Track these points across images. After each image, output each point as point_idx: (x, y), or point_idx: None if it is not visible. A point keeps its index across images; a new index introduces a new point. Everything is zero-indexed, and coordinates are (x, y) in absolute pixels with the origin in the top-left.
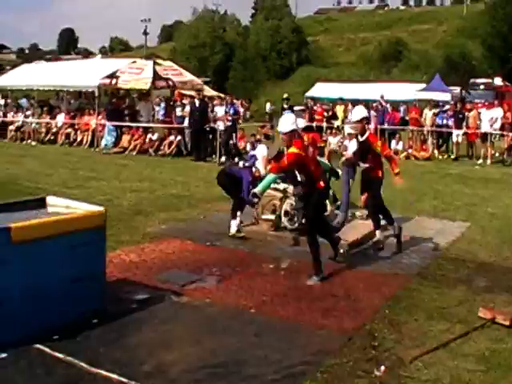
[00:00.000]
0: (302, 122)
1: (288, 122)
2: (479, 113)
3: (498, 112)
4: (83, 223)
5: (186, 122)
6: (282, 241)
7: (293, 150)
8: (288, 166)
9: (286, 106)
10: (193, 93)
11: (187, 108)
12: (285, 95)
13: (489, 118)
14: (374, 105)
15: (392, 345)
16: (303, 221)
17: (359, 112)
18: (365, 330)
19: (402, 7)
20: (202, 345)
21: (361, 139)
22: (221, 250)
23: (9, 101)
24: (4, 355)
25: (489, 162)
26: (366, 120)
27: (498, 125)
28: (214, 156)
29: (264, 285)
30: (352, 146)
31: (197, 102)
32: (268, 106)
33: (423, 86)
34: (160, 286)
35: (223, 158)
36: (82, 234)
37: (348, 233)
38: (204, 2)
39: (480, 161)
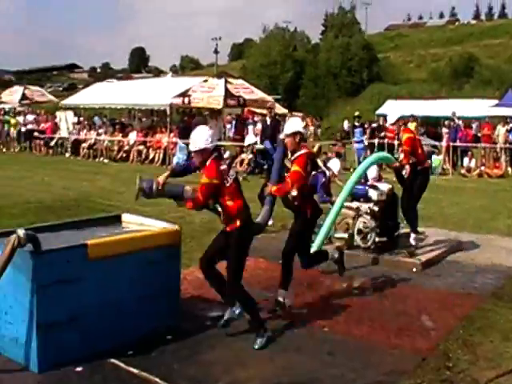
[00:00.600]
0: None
1: (292, 124)
2: None
3: None
4: (159, 240)
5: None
6: (355, 259)
7: (296, 168)
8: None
9: (357, 124)
10: (264, 111)
11: (258, 126)
12: (356, 113)
13: None
14: (446, 122)
15: (466, 366)
16: (377, 239)
17: (293, 125)
18: (439, 350)
19: (473, 21)
20: (275, 362)
21: (292, 158)
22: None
23: (81, 119)
24: (80, 369)
25: None
26: (300, 136)
27: None
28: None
29: (338, 304)
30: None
31: (268, 120)
32: (346, 123)
33: (496, 102)
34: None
35: None
36: (157, 251)
37: (421, 252)
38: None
39: None
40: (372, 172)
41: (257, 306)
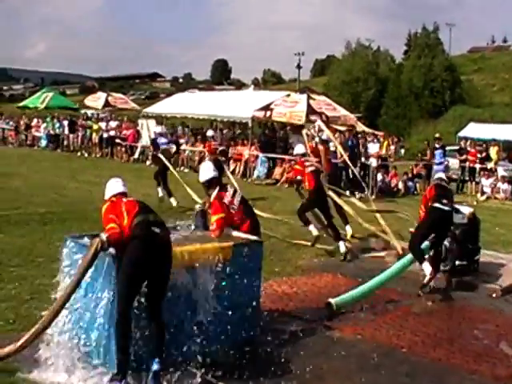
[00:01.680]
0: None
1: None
2: None
3: None
4: (241, 252)
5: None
6: (434, 281)
7: (214, 218)
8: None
9: (437, 146)
10: (344, 128)
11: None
12: (436, 135)
13: None
14: None
15: None
16: (457, 263)
17: (205, 172)
18: None
19: None
20: (353, 380)
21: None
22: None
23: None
24: None
25: None
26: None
27: None
28: (365, 192)
29: (416, 325)
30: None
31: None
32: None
33: None
34: (312, 318)
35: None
36: (239, 263)
37: (501, 276)
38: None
39: None
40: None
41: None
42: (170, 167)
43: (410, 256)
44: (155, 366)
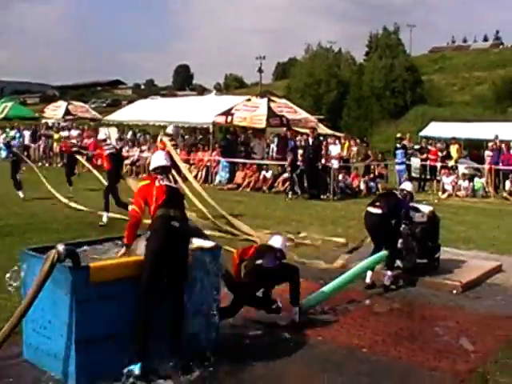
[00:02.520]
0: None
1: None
2: None
3: None
4: (198, 257)
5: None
6: (395, 280)
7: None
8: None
9: (398, 146)
10: (307, 131)
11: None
12: (398, 134)
13: None
14: (490, 145)
15: None
16: (417, 261)
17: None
18: (477, 372)
19: None
20: (314, 382)
21: None
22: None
23: (125, 135)
24: None
25: None
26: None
27: None
28: (327, 194)
29: (376, 324)
30: None
31: (310, 140)
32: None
33: None
34: (273, 322)
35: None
36: (197, 268)
37: (462, 273)
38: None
39: None
40: (408, 185)
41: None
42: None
43: (375, 256)
44: (173, 365)
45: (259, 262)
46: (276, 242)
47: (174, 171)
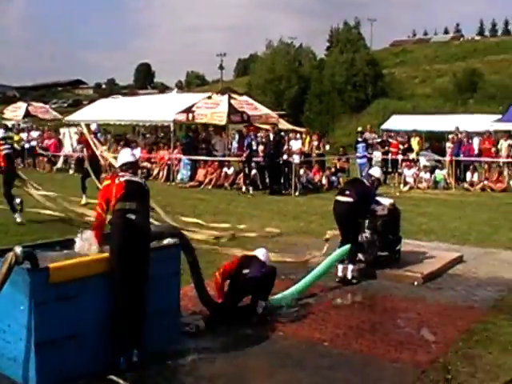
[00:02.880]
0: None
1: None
2: None
3: None
4: (157, 256)
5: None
6: (357, 274)
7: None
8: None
9: (359, 139)
10: (268, 126)
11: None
12: (359, 128)
13: None
14: (450, 137)
15: (466, 378)
16: (379, 254)
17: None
18: (438, 363)
19: (478, 38)
20: (275, 378)
21: None
22: (293, 283)
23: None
24: None
25: None
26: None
27: None
28: (289, 189)
29: (338, 318)
30: None
31: (271, 136)
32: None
33: (499, 117)
34: (234, 318)
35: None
36: (155, 268)
37: (423, 264)
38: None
39: None
40: (376, 171)
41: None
42: None
43: (342, 249)
44: (135, 358)
45: (245, 271)
46: (260, 253)
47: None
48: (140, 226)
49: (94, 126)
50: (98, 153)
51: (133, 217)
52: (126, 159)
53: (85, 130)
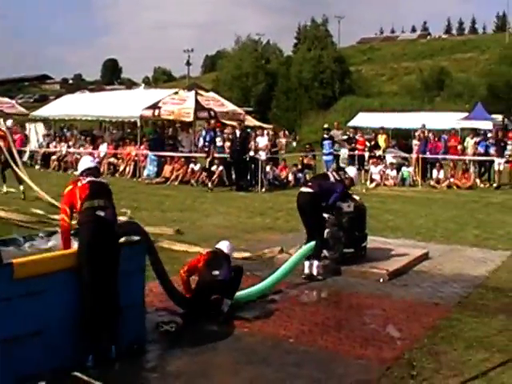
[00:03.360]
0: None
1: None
2: None
3: None
4: (123, 251)
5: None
6: (322, 270)
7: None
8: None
9: (326, 136)
10: (234, 123)
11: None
12: (325, 125)
13: None
14: (417, 134)
15: (430, 374)
16: (344, 251)
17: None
18: (403, 359)
19: (445, 36)
20: (240, 375)
21: None
22: (259, 280)
23: (51, 131)
24: (42, 383)
25: None
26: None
27: None
28: (255, 186)
29: (303, 314)
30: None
31: (237, 133)
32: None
33: (466, 114)
34: (200, 314)
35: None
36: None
37: (389, 261)
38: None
39: None
40: (352, 171)
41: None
42: None
43: (307, 246)
44: (113, 354)
45: (216, 272)
46: (223, 246)
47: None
48: (110, 222)
49: (9, 123)
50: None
51: (102, 213)
52: (87, 165)
53: (2, 124)
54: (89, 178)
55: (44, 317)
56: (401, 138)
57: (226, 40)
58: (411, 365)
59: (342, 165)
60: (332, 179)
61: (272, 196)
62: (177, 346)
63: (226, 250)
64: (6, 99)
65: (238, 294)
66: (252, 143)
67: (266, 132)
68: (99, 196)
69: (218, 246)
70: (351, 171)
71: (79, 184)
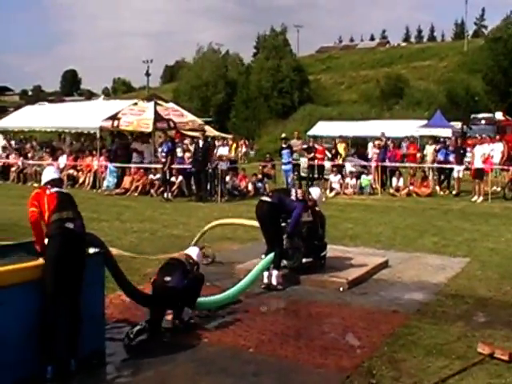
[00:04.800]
0: None
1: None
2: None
3: (498, 146)
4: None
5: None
6: (281, 279)
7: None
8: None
9: (284, 146)
10: (196, 133)
11: (190, 148)
12: (283, 135)
13: (481, 154)
14: (376, 142)
15: (390, 382)
16: (304, 260)
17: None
18: (363, 367)
19: (403, 44)
20: None
21: None
22: (219, 290)
23: (10, 143)
24: None
25: (481, 198)
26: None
27: (497, 159)
28: (215, 196)
29: (263, 324)
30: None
31: (200, 143)
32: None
33: (425, 122)
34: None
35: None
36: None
37: (348, 270)
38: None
39: (475, 197)
40: (316, 192)
41: None
42: None
43: (267, 259)
44: (73, 366)
45: (167, 279)
46: (192, 252)
47: None
48: (78, 234)
49: None
50: None
51: (71, 225)
52: (51, 176)
53: None
54: (56, 189)
55: (3, 328)
56: (360, 147)
57: (183, 50)
58: (371, 373)
59: (302, 174)
60: (293, 197)
61: (231, 206)
62: (136, 357)
63: (194, 256)
64: None
65: (199, 300)
66: (214, 153)
67: (225, 142)
68: (67, 208)
69: (187, 251)
70: (315, 192)
71: (47, 192)
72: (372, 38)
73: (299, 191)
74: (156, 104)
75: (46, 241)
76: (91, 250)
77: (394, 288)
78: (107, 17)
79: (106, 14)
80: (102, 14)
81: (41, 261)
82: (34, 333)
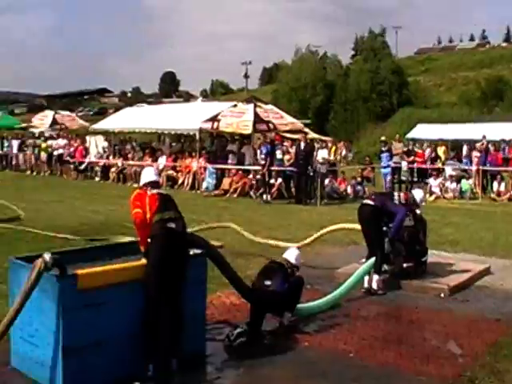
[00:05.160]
0: None
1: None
2: None
3: None
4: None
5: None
6: (382, 284)
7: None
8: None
9: (383, 149)
10: (296, 136)
11: (290, 150)
12: (382, 138)
13: None
14: (477, 145)
15: None
16: (404, 265)
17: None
18: (465, 377)
19: (504, 44)
20: None
21: None
22: (320, 294)
23: (112, 143)
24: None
25: None
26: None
27: None
28: (314, 199)
29: (363, 329)
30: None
31: (302, 145)
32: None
33: None
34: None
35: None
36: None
37: (449, 276)
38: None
39: None
40: (419, 194)
41: None
42: None
43: (368, 262)
44: (174, 366)
45: (267, 283)
46: (291, 255)
47: None
48: (180, 234)
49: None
50: None
51: (173, 225)
52: (151, 178)
53: None
54: (156, 190)
55: (106, 327)
56: (460, 150)
57: (281, 52)
58: (473, 383)
59: (402, 178)
60: (396, 200)
61: (331, 209)
62: (236, 359)
63: (292, 260)
64: (67, 112)
65: (300, 306)
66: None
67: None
68: (168, 208)
69: (285, 255)
70: (418, 195)
71: (148, 193)
72: (472, 39)
73: (402, 195)
74: (255, 106)
75: (149, 241)
76: (193, 251)
77: (497, 296)
78: (207, 19)
79: (206, 16)
80: (201, 17)
81: (144, 261)
82: (136, 332)
